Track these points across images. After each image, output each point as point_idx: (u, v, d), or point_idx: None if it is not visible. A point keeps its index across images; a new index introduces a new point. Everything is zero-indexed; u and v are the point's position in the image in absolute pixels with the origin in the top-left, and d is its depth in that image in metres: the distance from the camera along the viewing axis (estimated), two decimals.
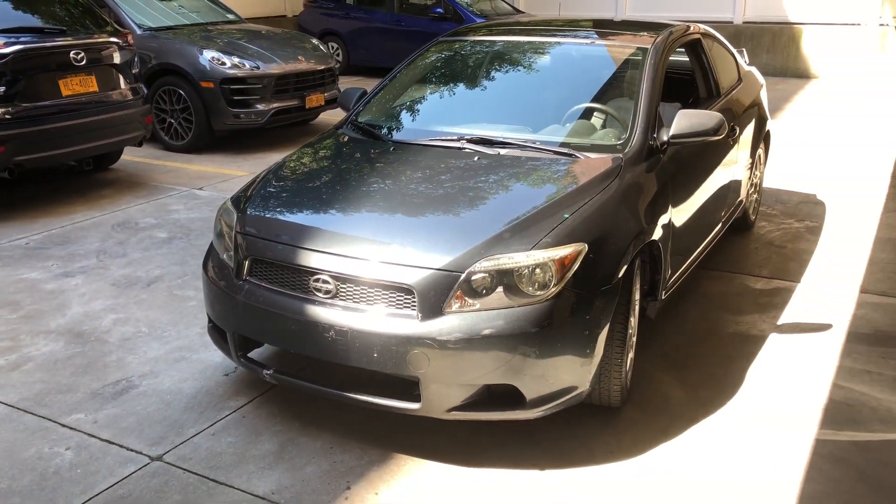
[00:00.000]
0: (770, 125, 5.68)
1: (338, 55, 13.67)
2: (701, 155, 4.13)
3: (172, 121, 8.14)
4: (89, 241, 5.46)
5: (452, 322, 2.81)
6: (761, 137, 5.40)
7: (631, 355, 3.45)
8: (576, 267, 2.92)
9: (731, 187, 4.79)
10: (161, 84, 8.10)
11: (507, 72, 4.32)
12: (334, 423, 3.30)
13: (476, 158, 3.51)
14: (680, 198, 3.81)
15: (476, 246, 2.91)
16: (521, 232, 2.97)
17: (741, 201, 5.21)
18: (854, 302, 4.46)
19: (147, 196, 6.54)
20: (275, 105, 8.10)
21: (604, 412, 3.35)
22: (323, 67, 8.72)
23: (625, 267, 3.09)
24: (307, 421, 3.32)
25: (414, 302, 2.86)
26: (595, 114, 3.95)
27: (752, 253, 5.26)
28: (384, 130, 3.99)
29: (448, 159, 3.54)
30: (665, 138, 3.64)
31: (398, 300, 2.89)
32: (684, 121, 3.63)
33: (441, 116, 4.13)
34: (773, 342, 4.00)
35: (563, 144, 3.61)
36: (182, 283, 4.73)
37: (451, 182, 3.35)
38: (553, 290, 2.87)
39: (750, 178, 5.29)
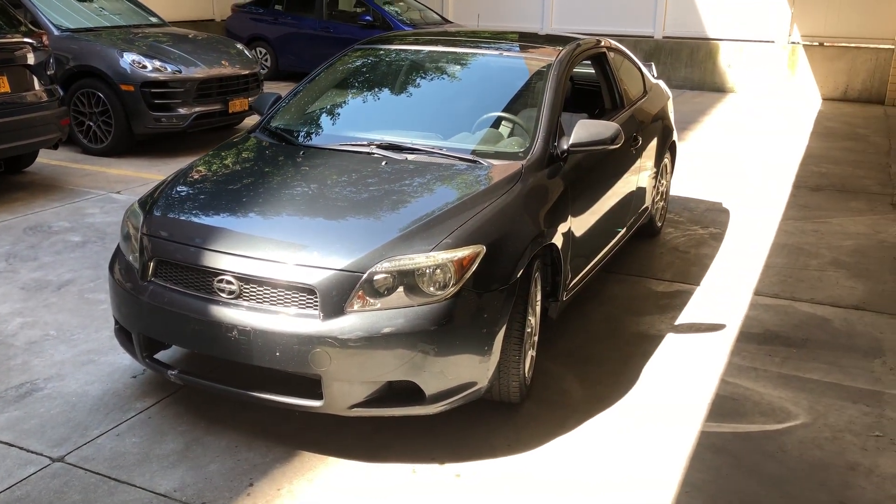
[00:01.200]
0: (675, 136, 5.95)
1: (266, 60, 13.63)
2: (604, 163, 4.32)
3: (91, 124, 8.02)
4: None
5: (354, 321, 2.90)
6: (666, 147, 5.65)
7: (532, 353, 3.60)
8: (474, 268, 3.05)
9: (636, 194, 5.01)
10: (80, 86, 7.97)
11: (420, 80, 4.44)
12: (240, 422, 3.35)
13: (384, 164, 3.61)
14: (581, 203, 3.99)
15: (378, 247, 3.01)
16: (422, 234, 3.08)
17: (646, 208, 5.44)
18: (747, 304, 4.72)
19: (62, 199, 6.44)
20: (197, 109, 8.06)
21: (505, 407, 3.49)
22: (247, 72, 8.72)
23: (522, 269, 3.23)
24: (214, 420, 3.36)
25: (316, 302, 2.94)
26: (502, 123, 4.10)
27: (657, 258, 5.50)
28: (295, 135, 4.06)
29: (356, 164, 3.64)
30: (565, 147, 3.81)
31: (301, 300, 2.97)
32: (583, 130, 3.81)
33: (354, 122, 4.23)
34: (670, 341, 4.21)
35: (468, 151, 3.75)
36: (94, 286, 4.70)
37: (357, 186, 3.45)
38: (452, 289, 2.99)
39: (655, 186, 5.53)
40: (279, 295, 2.99)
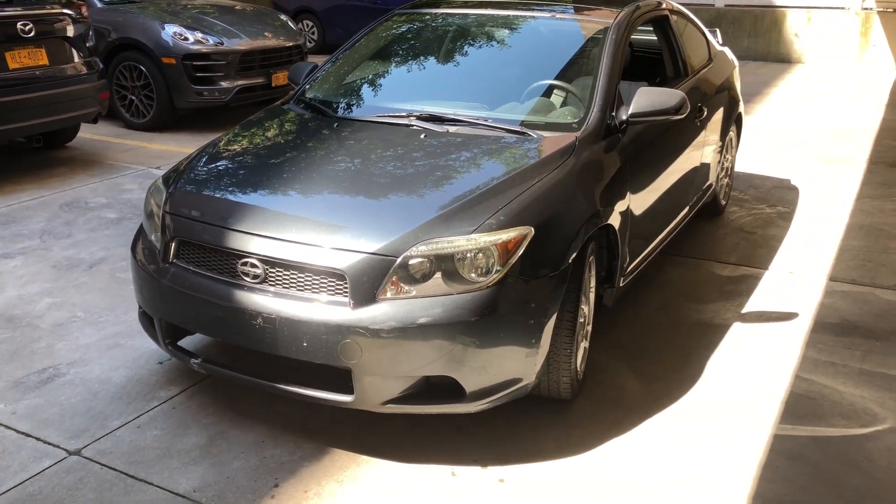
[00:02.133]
0: (742, 108, 5.51)
1: (313, 34, 13.40)
2: (665, 136, 3.95)
3: (133, 98, 7.88)
4: (34, 221, 5.23)
5: (386, 310, 2.63)
6: (732, 120, 5.24)
7: (584, 345, 3.29)
8: (521, 252, 2.75)
9: (699, 170, 4.63)
10: (121, 59, 7.83)
11: (465, 46, 4.12)
12: (269, 414, 3.12)
13: (423, 136, 3.31)
14: (641, 180, 3.64)
15: (414, 229, 2.72)
16: (463, 214, 2.78)
17: (710, 185, 5.05)
18: (822, 290, 4.31)
19: (101, 175, 6.31)
20: (239, 82, 7.85)
21: (554, 404, 3.19)
22: (291, 44, 8.47)
23: (575, 252, 2.92)
24: (241, 412, 3.14)
25: (346, 288, 2.67)
26: (554, 91, 3.75)
27: (720, 239, 5.10)
28: (331, 106, 3.79)
29: (393, 138, 3.35)
30: (624, 117, 3.47)
31: (329, 286, 2.70)
32: (644, 99, 3.46)
33: (393, 92, 3.93)
34: (736, 332, 3.85)
35: (516, 122, 3.42)
36: (126, 265, 4.52)
37: (393, 161, 3.16)
38: (495, 276, 2.70)
39: (720, 161, 5.13)
40: (307, 280, 2.73)
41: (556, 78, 3.78)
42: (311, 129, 3.59)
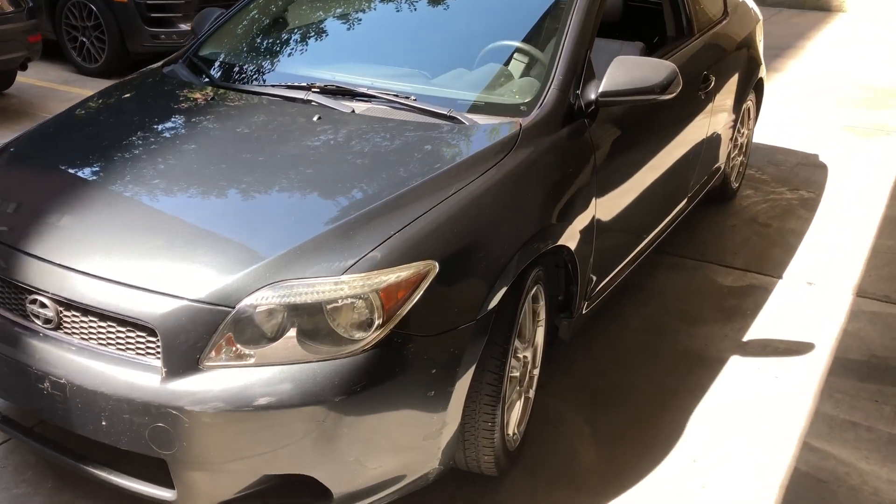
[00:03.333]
0: (763, 71, 4.58)
1: None
2: (655, 114, 3.09)
3: (84, 39, 7.06)
4: None
5: (212, 383, 1.85)
6: (750, 86, 4.32)
7: (528, 396, 2.52)
8: (417, 297, 1.94)
9: (704, 152, 3.76)
10: None
11: (402, 4, 3.23)
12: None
13: (316, 118, 2.48)
14: (618, 176, 2.80)
15: (260, 265, 1.92)
16: (335, 243, 1.97)
17: (719, 168, 4.18)
18: (846, 310, 3.47)
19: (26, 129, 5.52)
20: None
21: (477, 479, 2.43)
22: None
23: (503, 290, 2.12)
24: (64, 479, 2.41)
25: (157, 348, 1.89)
26: (513, 58, 2.87)
27: (727, 233, 4.24)
28: (216, 71, 2.94)
29: (277, 119, 2.51)
30: (593, 96, 2.61)
31: (136, 343, 1.93)
32: (619, 73, 2.59)
33: (302, 54, 3.07)
34: (732, 369, 3.04)
35: (445, 101, 2.56)
36: None
37: (264, 156, 2.33)
38: (376, 334, 1.90)
39: (732, 138, 4.24)
40: (109, 332, 1.95)
41: (513, 39, 2.89)
42: (177, 105, 2.73)
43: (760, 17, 4.75)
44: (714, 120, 3.78)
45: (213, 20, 3.31)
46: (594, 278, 2.79)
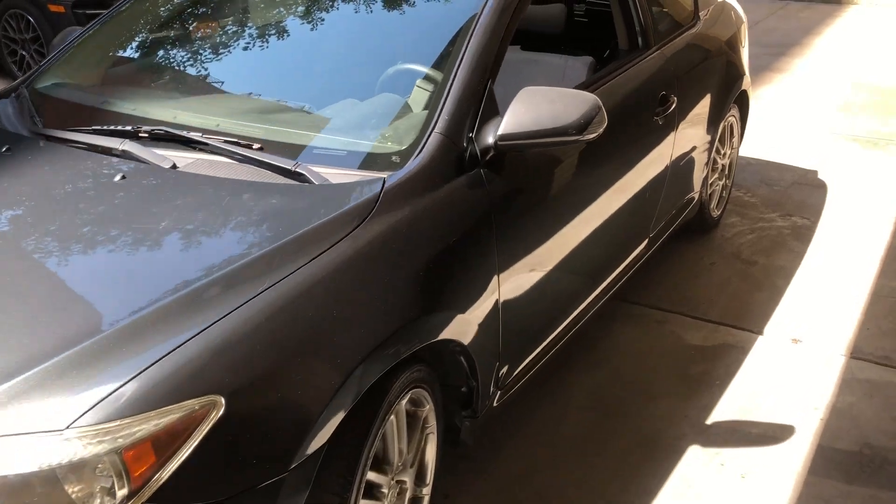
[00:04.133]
0: (747, 81, 3.97)
1: None
2: (589, 150, 2.50)
3: (24, 53, 6.57)
4: None
5: None
6: (730, 101, 3.71)
7: None
8: (188, 451, 1.38)
9: (669, 185, 3.18)
10: (7, 7, 6.50)
11: (275, 20, 2.65)
12: None
13: (119, 178, 1.92)
14: (534, 238, 2.22)
15: None
16: (75, 374, 1.41)
17: (692, 198, 3.59)
18: (836, 377, 2.88)
19: None
20: None
21: None
22: None
23: (337, 418, 1.56)
24: None
25: None
26: (415, 89, 2.29)
27: (703, 273, 3.65)
28: (36, 109, 2.37)
29: (71, 180, 1.95)
30: (491, 140, 2.03)
31: None
32: (526, 109, 2.01)
33: (156, 87, 2.49)
34: (690, 464, 2.45)
35: (297, 150, 2.00)
36: None
37: (27, 238, 1.76)
38: None
39: (709, 161, 3.64)
40: None
41: (417, 63, 2.31)
42: None
43: (744, 18, 4.13)
44: (680, 145, 3.19)
45: (68, 43, 2.77)
46: (506, 367, 2.23)
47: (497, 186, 2.06)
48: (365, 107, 2.23)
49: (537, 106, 2.02)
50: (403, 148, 1.97)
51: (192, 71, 2.50)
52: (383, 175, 1.88)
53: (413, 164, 1.92)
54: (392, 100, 2.16)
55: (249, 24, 2.61)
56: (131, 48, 2.69)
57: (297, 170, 1.88)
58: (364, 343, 1.63)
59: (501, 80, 3.22)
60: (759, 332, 3.16)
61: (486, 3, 2.24)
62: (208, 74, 2.44)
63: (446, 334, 1.86)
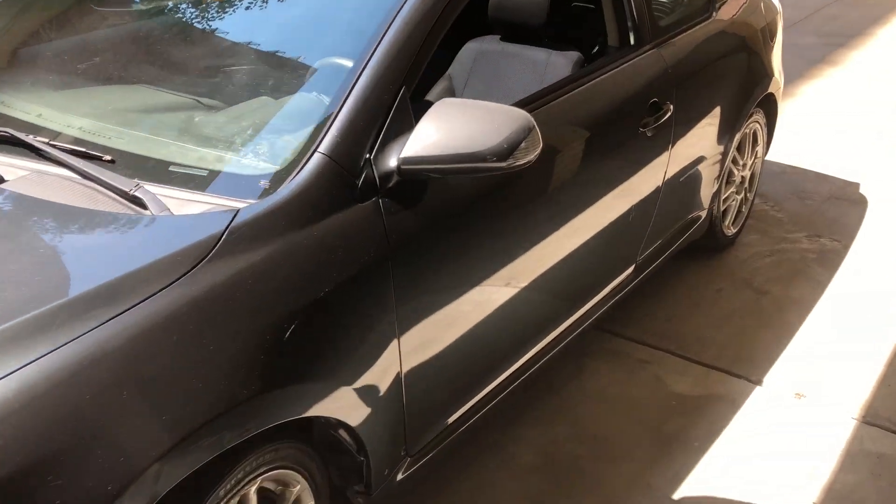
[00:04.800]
0: (777, 82, 3.46)
1: None
2: (544, 169, 2.09)
3: None
4: None
5: None
6: (751, 105, 3.22)
7: None
8: None
9: (663, 204, 2.75)
10: None
11: (164, 8, 2.27)
12: None
13: None
14: (457, 283, 1.83)
15: None
16: None
17: (698, 216, 3.14)
18: (843, 447, 2.43)
19: None
20: None
21: None
22: None
23: None
24: None
25: None
26: (279, 95, 1.88)
27: (706, 301, 3.20)
28: None
29: None
30: (392, 164, 1.64)
31: None
32: (437, 127, 1.62)
33: (21, 77, 2.14)
34: None
35: (144, 164, 1.63)
36: None
37: None
38: None
39: (721, 174, 3.17)
40: None
41: (293, 63, 1.92)
42: None
43: (779, 8, 3.62)
44: (679, 159, 2.75)
45: None
46: (416, 437, 1.85)
47: (400, 221, 1.67)
48: (237, 114, 1.84)
49: (452, 123, 1.62)
50: (275, 170, 1.59)
51: (71, 62, 2.14)
52: (240, 205, 1.51)
53: (284, 191, 1.54)
54: (270, 107, 1.78)
55: (140, 12, 2.25)
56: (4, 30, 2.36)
57: (135, 193, 1.52)
58: (170, 431, 1.28)
59: (477, 73, 2.84)
60: (758, 382, 2.72)
61: None
62: (91, 66, 2.09)
63: (317, 411, 1.50)
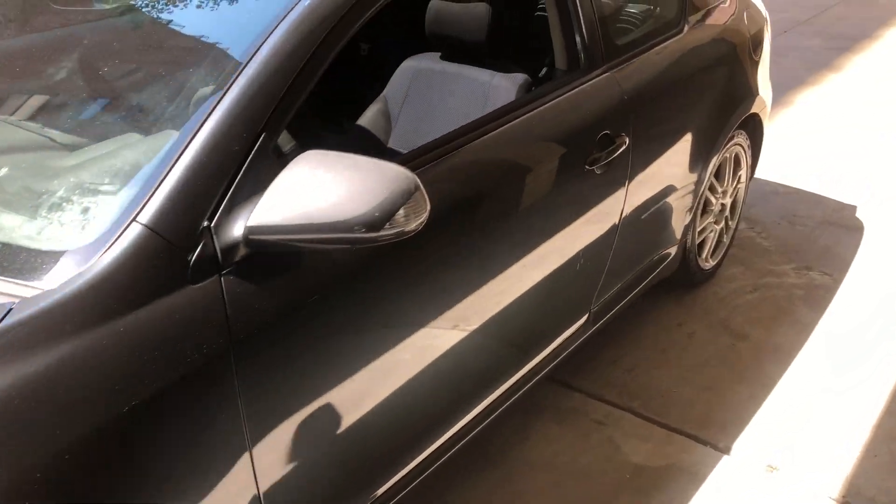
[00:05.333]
0: (763, 102, 3.12)
1: None
2: (464, 217, 1.77)
3: None
4: None
5: None
6: (727, 131, 2.88)
7: None
8: None
9: (622, 245, 2.43)
10: None
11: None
12: None
13: None
14: (326, 372, 1.52)
15: None
16: None
17: (665, 255, 2.81)
18: None
19: None
20: None
21: None
22: None
23: None
24: None
25: None
26: (103, 141, 1.55)
27: (675, 347, 2.87)
28: None
29: None
30: (237, 234, 1.33)
31: None
32: (292, 189, 1.31)
33: None
34: None
35: None
36: None
37: None
38: None
39: (694, 206, 2.84)
40: None
41: (124, 102, 1.60)
42: None
43: (766, 17, 3.27)
44: (638, 195, 2.42)
45: None
46: None
47: (249, 303, 1.35)
48: (39, 171, 1.51)
49: (314, 183, 1.31)
50: (78, 246, 1.28)
51: None
52: (22, 292, 1.19)
53: (86, 275, 1.22)
54: (83, 162, 1.46)
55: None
56: None
57: None
58: None
59: (414, 95, 2.51)
60: (726, 450, 2.39)
61: (280, 21, 1.51)
62: None
63: None
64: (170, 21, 1.74)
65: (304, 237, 1.30)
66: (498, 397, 2.13)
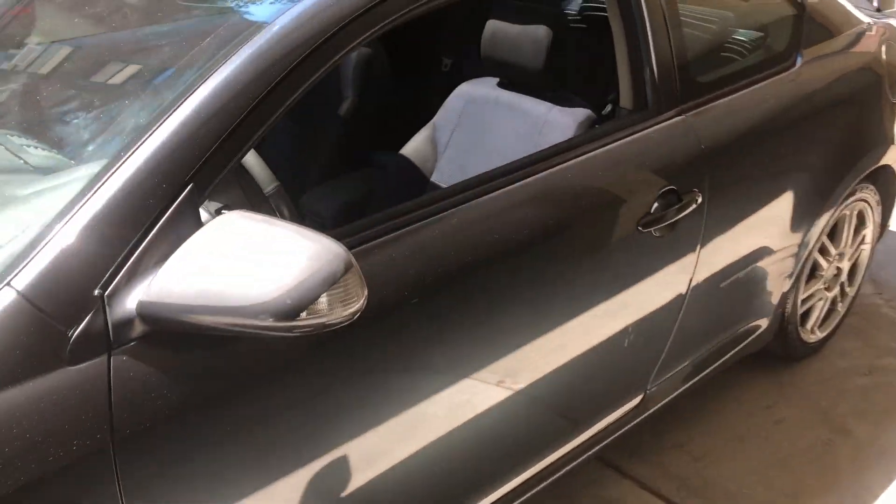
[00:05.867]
0: (893, 155, 2.62)
1: None
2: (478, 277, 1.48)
3: None
4: None
5: None
6: (847, 184, 2.40)
7: None
8: None
9: (689, 317, 2.05)
10: None
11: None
12: None
13: None
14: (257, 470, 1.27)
15: None
16: None
17: (754, 328, 2.38)
18: None
19: None
20: None
21: None
22: None
23: None
24: None
25: None
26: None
27: (755, 436, 2.42)
28: None
29: None
30: (132, 306, 1.09)
31: None
32: (196, 260, 1.07)
33: None
34: None
35: None
36: None
37: None
38: None
39: (796, 271, 2.39)
40: None
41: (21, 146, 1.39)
42: None
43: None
44: (715, 259, 2.03)
45: None
46: None
47: (143, 392, 1.10)
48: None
49: (223, 253, 1.06)
50: None
51: None
52: None
53: None
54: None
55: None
56: None
57: None
58: None
59: (465, 124, 2.24)
60: None
61: (233, 53, 1.26)
62: None
63: None
64: (110, 48, 1.54)
65: (195, 322, 1.05)
66: (526, 480, 1.82)
